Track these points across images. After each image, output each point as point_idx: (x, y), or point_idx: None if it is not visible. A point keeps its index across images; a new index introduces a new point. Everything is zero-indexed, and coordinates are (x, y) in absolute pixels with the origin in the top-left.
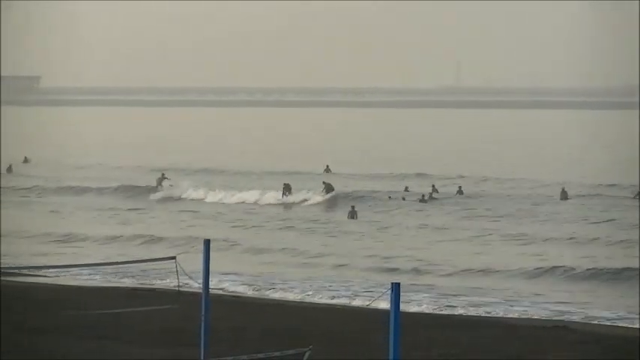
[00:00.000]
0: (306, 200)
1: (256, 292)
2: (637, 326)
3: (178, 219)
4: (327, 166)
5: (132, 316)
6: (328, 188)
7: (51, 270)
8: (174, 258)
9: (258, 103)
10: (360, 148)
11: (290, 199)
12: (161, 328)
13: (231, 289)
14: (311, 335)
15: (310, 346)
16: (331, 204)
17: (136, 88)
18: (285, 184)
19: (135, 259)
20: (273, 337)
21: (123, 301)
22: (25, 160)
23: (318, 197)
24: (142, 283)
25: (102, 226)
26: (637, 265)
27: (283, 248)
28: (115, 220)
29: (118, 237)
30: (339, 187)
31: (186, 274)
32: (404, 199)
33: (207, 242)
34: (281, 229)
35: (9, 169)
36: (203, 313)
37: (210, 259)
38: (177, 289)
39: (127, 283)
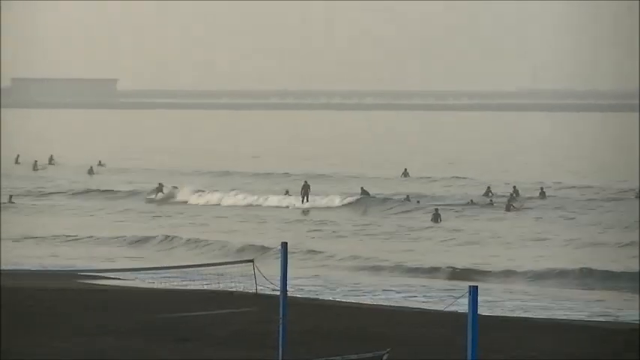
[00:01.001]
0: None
1: (330, 295)
2: None
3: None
4: (405, 170)
5: (211, 318)
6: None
7: (128, 273)
8: (251, 261)
9: (337, 107)
10: (438, 152)
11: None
12: (240, 331)
13: (308, 292)
14: (388, 337)
15: (388, 349)
16: (411, 207)
17: (216, 91)
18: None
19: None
20: (349, 340)
21: (202, 304)
22: (100, 164)
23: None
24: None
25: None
26: None
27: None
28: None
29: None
30: (416, 190)
31: (264, 277)
32: (492, 202)
33: (284, 245)
34: (358, 233)
35: (90, 171)
36: (281, 315)
37: (287, 262)
38: (255, 292)
39: (202, 286)
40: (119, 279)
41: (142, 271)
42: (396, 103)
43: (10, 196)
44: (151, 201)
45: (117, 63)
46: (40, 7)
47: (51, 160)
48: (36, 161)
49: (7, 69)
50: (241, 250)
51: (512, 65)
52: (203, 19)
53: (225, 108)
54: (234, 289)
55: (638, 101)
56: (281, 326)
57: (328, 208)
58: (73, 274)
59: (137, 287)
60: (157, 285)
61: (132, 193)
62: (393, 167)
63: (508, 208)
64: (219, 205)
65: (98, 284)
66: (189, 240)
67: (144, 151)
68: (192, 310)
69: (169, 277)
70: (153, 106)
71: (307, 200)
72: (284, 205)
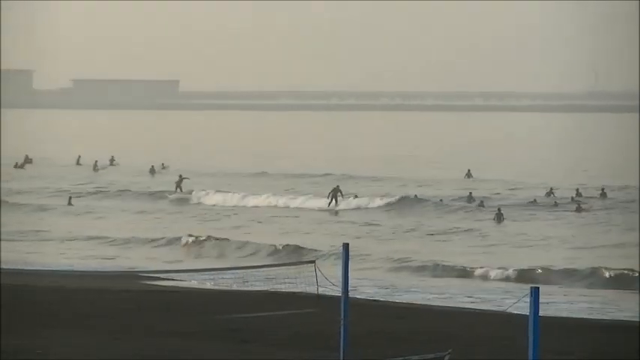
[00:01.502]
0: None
1: (390, 297)
2: None
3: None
4: (469, 171)
5: (272, 319)
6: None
7: (186, 274)
8: (313, 262)
9: (398, 107)
10: (500, 153)
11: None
12: (301, 332)
13: (367, 293)
14: (450, 339)
15: (450, 350)
16: (473, 207)
17: (277, 93)
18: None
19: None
20: (410, 341)
21: (263, 306)
22: (163, 167)
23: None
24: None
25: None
26: None
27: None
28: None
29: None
30: (481, 192)
31: (326, 278)
32: (556, 203)
33: (346, 246)
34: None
35: (151, 170)
36: (342, 316)
37: (349, 264)
38: (316, 293)
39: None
40: (175, 280)
41: (201, 272)
42: (456, 104)
43: (70, 198)
44: (173, 200)
45: (178, 64)
46: (97, 7)
47: (112, 161)
48: (96, 162)
49: (68, 70)
50: (290, 251)
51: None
52: (264, 20)
53: (285, 109)
54: (295, 291)
55: None
56: (342, 327)
57: (378, 208)
58: (132, 275)
59: (198, 289)
60: (217, 286)
61: (181, 195)
62: (456, 168)
63: (579, 210)
64: (257, 206)
65: (157, 285)
66: (227, 241)
67: (206, 153)
68: (253, 312)
69: (229, 279)
70: (214, 107)
71: (352, 199)
72: (325, 206)
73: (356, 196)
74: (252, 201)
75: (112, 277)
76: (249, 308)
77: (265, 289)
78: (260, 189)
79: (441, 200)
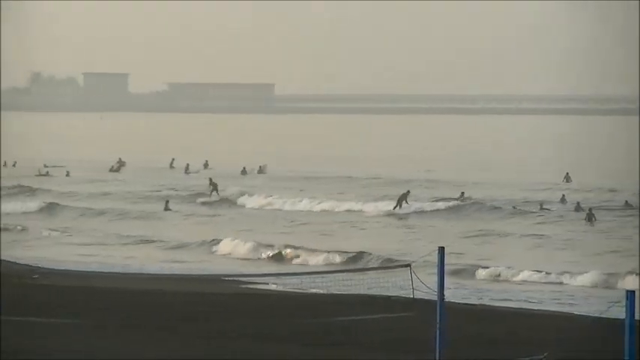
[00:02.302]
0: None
1: (483, 301)
2: None
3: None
4: (567, 174)
5: (367, 323)
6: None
7: (273, 277)
8: (409, 266)
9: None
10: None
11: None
12: (396, 336)
13: (458, 297)
14: (545, 343)
15: (545, 354)
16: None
17: (373, 95)
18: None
19: (369, 267)
20: (505, 344)
21: (358, 309)
22: (260, 170)
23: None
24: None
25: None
26: None
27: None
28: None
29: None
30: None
31: (421, 282)
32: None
33: (441, 250)
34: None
35: (243, 171)
36: (438, 320)
37: (444, 267)
38: (412, 297)
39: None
40: (260, 283)
41: (291, 276)
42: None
43: (167, 202)
44: (205, 203)
45: (273, 67)
46: (192, 10)
47: (206, 165)
48: (187, 165)
49: (163, 74)
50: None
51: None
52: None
53: (383, 112)
54: (389, 295)
55: None
56: (438, 331)
57: (441, 210)
58: (217, 279)
59: (290, 292)
60: (309, 290)
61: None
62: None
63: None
64: (319, 211)
65: (248, 289)
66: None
67: (302, 157)
68: (347, 315)
69: (320, 282)
70: (310, 110)
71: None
72: (389, 209)
73: (436, 199)
74: (317, 206)
75: (197, 281)
76: (343, 312)
77: (359, 292)
78: (342, 193)
79: (514, 207)
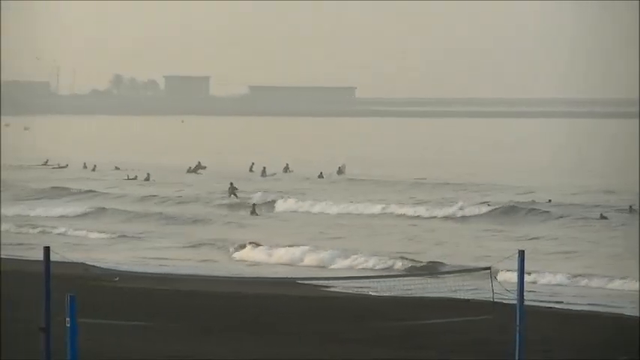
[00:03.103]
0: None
1: (564, 304)
2: None
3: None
4: None
5: (446, 326)
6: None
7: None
8: (489, 269)
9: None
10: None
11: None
12: (476, 339)
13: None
14: (621, 345)
15: (625, 358)
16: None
17: (453, 99)
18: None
19: (448, 270)
20: (586, 347)
21: (437, 312)
22: (340, 171)
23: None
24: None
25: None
26: None
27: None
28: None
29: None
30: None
31: (500, 285)
32: None
33: (521, 253)
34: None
35: (320, 176)
36: (518, 323)
37: (524, 270)
38: (491, 300)
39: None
40: (336, 287)
41: (369, 279)
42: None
43: (254, 205)
44: (221, 205)
45: (354, 70)
46: (272, 13)
47: (287, 169)
48: (264, 168)
49: (244, 77)
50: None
51: None
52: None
53: (462, 116)
54: (470, 298)
55: None
56: (517, 334)
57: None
58: (292, 282)
59: (372, 295)
60: (387, 293)
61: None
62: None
63: None
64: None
65: (327, 292)
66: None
67: (384, 160)
68: (426, 318)
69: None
70: (391, 114)
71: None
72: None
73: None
74: (367, 209)
75: (272, 284)
76: (423, 315)
77: (439, 295)
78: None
79: (602, 215)
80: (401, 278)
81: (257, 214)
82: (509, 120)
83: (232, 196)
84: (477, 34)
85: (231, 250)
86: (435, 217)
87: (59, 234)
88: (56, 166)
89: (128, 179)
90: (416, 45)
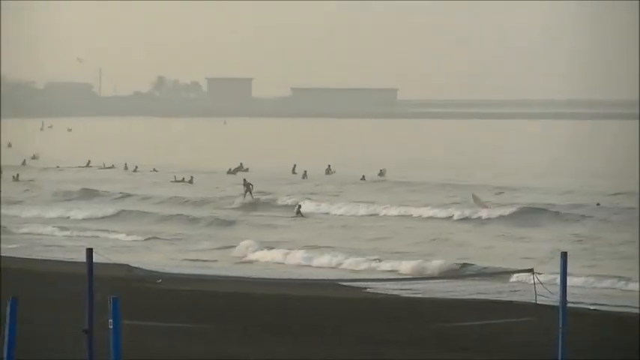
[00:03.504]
0: None
1: (607, 306)
2: None
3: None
4: None
5: (490, 328)
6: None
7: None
8: (531, 270)
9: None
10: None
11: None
12: (518, 341)
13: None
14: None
15: None
16: None
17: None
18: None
19: (491, 272)
20: (629, 350)
21: (480, 314)
22: (381, 173)
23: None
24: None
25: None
26: None
27: None
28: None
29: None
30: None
31: (544, 286)
32: None
33: (564, 255)
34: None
35: (362, 179)
36: (561, 325)
37: (567, 272)
38: (534, 301)
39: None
40: (373, 289)
41: (411, 281)
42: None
43: (299, 206)
44: (240, 205)
45: (397, 72)
46: (313, 15)
47: (328, 171)
48: (305, 171)
49: (287, 79)
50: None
51: None
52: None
53: (504, 117)
54: (513, 300)
55: None
56: (560, 336)
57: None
58: (333, 284)
59: (412, 297)
60: (429, 295)
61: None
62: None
63: None
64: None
65: (368, 293)
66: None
67: (423, 163)
68: (466, 320)
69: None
70: (433, 115)
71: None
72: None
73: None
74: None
75: (315, 286)
76: (465, 316)
77: (481, 297)
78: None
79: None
80: (441, 280)
81: (302, 216)
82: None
83: (247, 193)
84: (505, 34)
85: (266, 251)
86: (469, 219)
87: (93, 236)
88: (102, 167)
89: (176, 181)
90: (459, 46)
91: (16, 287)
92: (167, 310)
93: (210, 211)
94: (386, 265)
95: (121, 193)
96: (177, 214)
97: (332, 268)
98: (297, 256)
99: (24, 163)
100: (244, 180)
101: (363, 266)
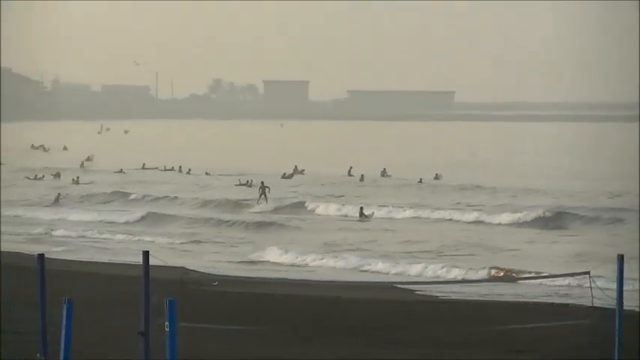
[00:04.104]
0: None
1: None
2: None
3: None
4: None
5: (545, 330)
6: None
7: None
8: (587, 273)
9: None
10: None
11: None
12: (574, 343)
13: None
14: None
15: None
16: None
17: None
18: None
19: (547, 275)
20: None
21: (536, 316)
22: (437, 177)
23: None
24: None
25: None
26: None
27: None
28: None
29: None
30: None
31: (600, 289)
32: None
33: (620, 257)
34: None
35: (420, 182)
36: (617, 328)
37: (623, 274)
38: (591, 304)
39: (535, 298)
40: (426, 291)
41: (468, 284)
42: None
43: (361, 209)
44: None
45: (454, 75)
46: (376, 14)
47: (384, 173)
48: (362, 175)
49: (343, 82)
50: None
51: None
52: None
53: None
54: (569, 302)
55: None
56: (617, 339)
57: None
58: (388, 286)
59: (468, 300)
60: (484, 297)
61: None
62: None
63: None
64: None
65: (426, 296)
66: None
67: (477, 166)
68: (525, 322)
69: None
70: (489, 118)
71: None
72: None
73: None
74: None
75: (370, 288)
76: (522, 319)
77: (538, 300)
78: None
79: None
80: (496, 283)
81: (366, 218)
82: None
83: (262, 197)
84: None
85: (324, 254)
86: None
87: (140, 239)
88: (162, 169)
89: (240, 184)
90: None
91: (70, 289)
92: (222, 312)
93: (268, 216)
94: (434, 268)
95: (176, 196)
96: (239, 219)
97: (387, 273)
98: (353, 261)
99: (82, 165)
100: (262, 183)
101: (417, 269)
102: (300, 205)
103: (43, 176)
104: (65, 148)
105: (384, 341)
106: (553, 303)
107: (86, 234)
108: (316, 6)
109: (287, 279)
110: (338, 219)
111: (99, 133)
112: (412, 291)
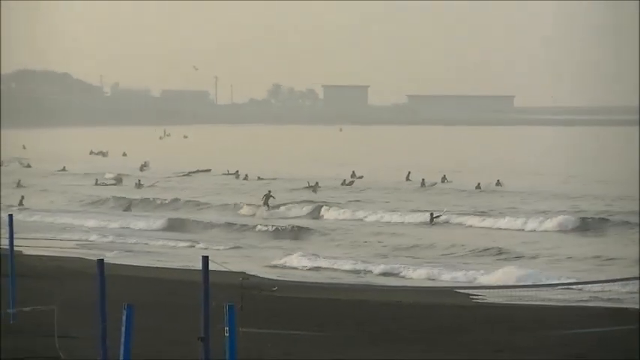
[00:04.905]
0: None
1: None
2: None
3: None
4: None
5: (599, 335)
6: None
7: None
8: (638, 278)
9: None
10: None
11: None
12: (624, 348)
13: None
14: None
15: None
16: None
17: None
18: None
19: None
20: None
21: (591, 321)
22: (498, 183)
23: None
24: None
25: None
26: None
27: None
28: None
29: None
30: None
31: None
32: None
33: None
34: None
35: (478, 187)
36: None
37: None
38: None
39: (585, 303)
40: (486, 296)
41: (521, 288)
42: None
43: (432, 214)
44: (268, 216)
45: (513, 79)
46: (435, 18)
47: (444, 179)
48: (423, 180)
49: (403, 86)
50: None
51: None
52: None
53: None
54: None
55: None
56: None
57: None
58: (449, 291)
59: (523, 304)
60: (538, 302)
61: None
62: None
63: None
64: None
65: (483, 302)
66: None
67: (540, 170)
68: (580, 327)
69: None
70: (549, 122)
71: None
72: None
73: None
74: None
75: (429, 293)
76: (577, 324)
77: (587, 305)
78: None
79: None
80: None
81: (435, 222)
82: None
83: (265, 205)
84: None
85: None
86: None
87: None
88: (227, 173)
89: (309, 186)
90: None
91: (128, 294)
92: (282, 317)
93: (333, 223)
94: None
95: (235, 203)
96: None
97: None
98: (421, 271)
99: (141, 169)
100: (268, 191)
101: (471, 274)
102: (359, 211)
103: (113, 182)
104: (125, 154)
105: (443, 346)
106: (609, 307)
107: (139, 240)
108: (376, 10)
109: (346, 284)
110: (400, 225)
111: (160, 138)
112: (467, 295)
